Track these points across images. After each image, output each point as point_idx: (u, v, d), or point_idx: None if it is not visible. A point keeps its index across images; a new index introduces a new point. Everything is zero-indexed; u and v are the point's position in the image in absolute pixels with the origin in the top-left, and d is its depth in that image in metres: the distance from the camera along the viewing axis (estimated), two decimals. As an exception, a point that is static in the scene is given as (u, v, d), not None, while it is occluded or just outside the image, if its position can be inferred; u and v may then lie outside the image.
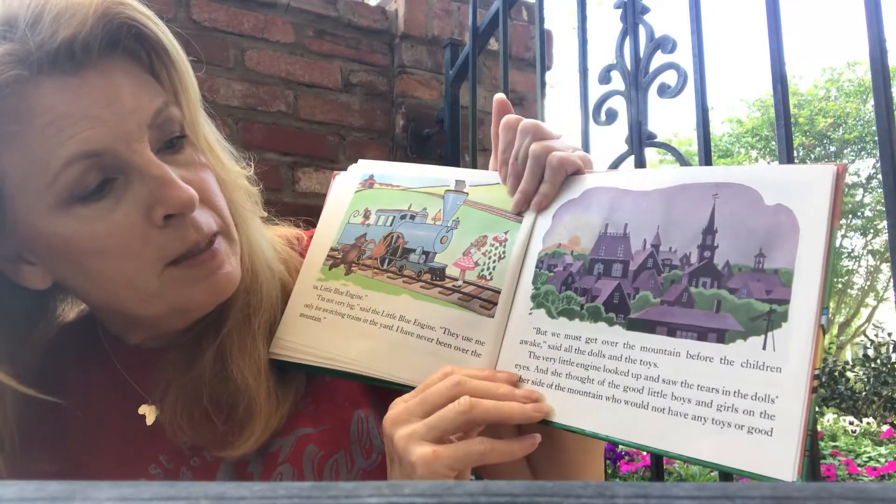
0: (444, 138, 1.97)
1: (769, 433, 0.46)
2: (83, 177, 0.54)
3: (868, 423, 5.91)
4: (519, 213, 0.64)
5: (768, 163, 15.96)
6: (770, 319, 0.49)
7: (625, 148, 1.22)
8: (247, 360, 0.64)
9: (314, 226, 0.76)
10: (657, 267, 0.55)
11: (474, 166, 1.73)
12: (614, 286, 0.56)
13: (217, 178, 0.63)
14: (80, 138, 0.53)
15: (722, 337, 0.50)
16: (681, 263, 0.54)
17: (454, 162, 1.94)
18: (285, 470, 0.65)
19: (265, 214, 0.74)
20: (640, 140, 1.20)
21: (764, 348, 0.48)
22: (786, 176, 0.51)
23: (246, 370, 0.63)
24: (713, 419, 0.49)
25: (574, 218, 0.61)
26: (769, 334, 0.49)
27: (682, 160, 1.13)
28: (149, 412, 0.66)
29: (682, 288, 0.53)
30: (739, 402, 0.48)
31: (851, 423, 5.63)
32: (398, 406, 0.56)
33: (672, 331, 0.52)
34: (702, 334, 0.51)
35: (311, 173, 1.91)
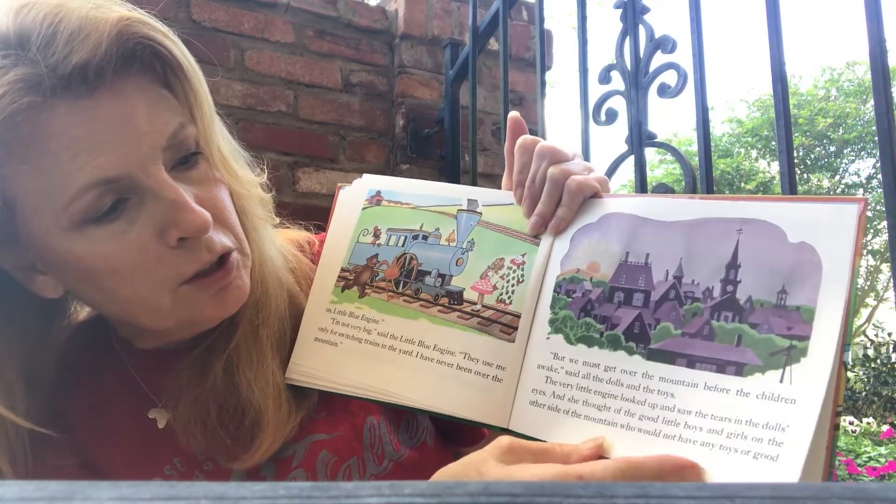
0: (444, 138, 1.97)
1: (774, 459, 0.46)
2: (97, 201, 0.54)
3: (868, 423, 5.91)
4: (535, 236, 0.64)
5: (768, 163, 15.94)
6: (789, 355, 0.49)
7: (625, 148, 1.22)
8: (255, 373, 0.63)
9: (324, 230, 0.75)
10: (679, 298, 0.55)
11: (474, 166, 1.73)
12: (635, 315, 0.56)
13: (230, 190, 0.63)
14: (95, 165, 0.52)
15: (741, 370, 0.50)
16: (703, 296, 0.54)
17: (454, 162, 1.94)
18: (299, 475, 0.65)
19: (277, 221, 0.73)
20: (640, 140, 1.20)
21: (781, 381, 0.48)
22: (810, 214, 0.51)
23: (254, 382, 0.63)
24: (721, 445, 0.49)
25: (592, 243, 0.61)
26: (787, 368, 0.49)
27: (682, 160, 1.13)
28: (159, 416, 0.66)
29: (704, 321, 0.53)
30: (749, 430, 0.48)
31: (851, 423, 5.62)
32: None
33: (692, 362, 0.52)
34: (721, 367, 0.51)
35: (312, 173, 1.91)
